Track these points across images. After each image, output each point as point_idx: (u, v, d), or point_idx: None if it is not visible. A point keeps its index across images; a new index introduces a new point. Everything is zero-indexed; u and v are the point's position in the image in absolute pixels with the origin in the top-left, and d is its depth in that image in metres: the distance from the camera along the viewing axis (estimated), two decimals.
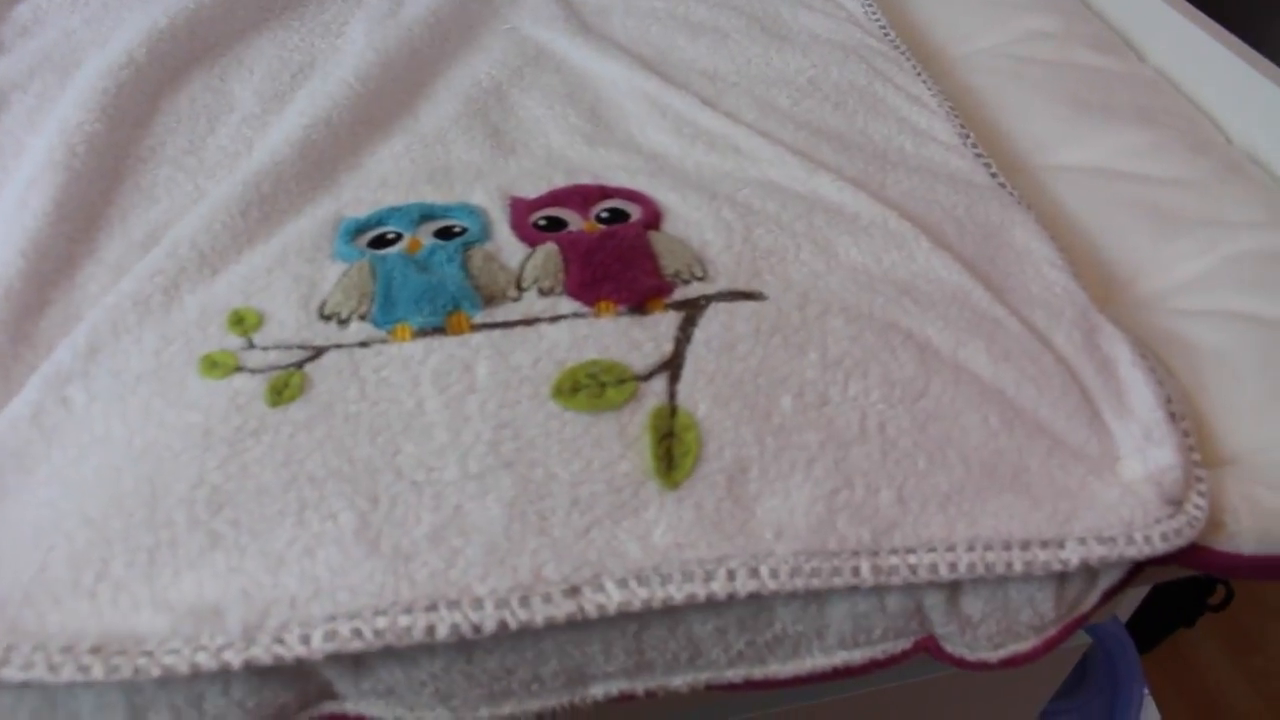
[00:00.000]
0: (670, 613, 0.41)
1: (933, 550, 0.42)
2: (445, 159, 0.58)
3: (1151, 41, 0.78)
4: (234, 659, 0.36)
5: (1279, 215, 0.59)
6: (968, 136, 0.63)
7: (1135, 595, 0.78)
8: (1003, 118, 0.70)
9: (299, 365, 0.44)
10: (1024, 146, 0.67)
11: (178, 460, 0.40)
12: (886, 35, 0.74)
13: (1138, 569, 0.44)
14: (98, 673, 0.36)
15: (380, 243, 0.50)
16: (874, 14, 0.77)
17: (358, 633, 0.37)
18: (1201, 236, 0.58)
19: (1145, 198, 0.61)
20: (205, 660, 0.36)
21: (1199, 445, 0.47)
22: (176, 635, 0.36)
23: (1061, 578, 0.44)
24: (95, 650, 0.36)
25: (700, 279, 0.48)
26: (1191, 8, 0.76)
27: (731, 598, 0.40)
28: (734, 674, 0.44)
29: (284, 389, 0.43)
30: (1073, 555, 0.42)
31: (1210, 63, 0.72)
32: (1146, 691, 0.85)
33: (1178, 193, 0.61)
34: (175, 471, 0.40)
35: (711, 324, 0.46)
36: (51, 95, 0.60)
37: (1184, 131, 0.67)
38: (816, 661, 0.44)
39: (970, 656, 0.45)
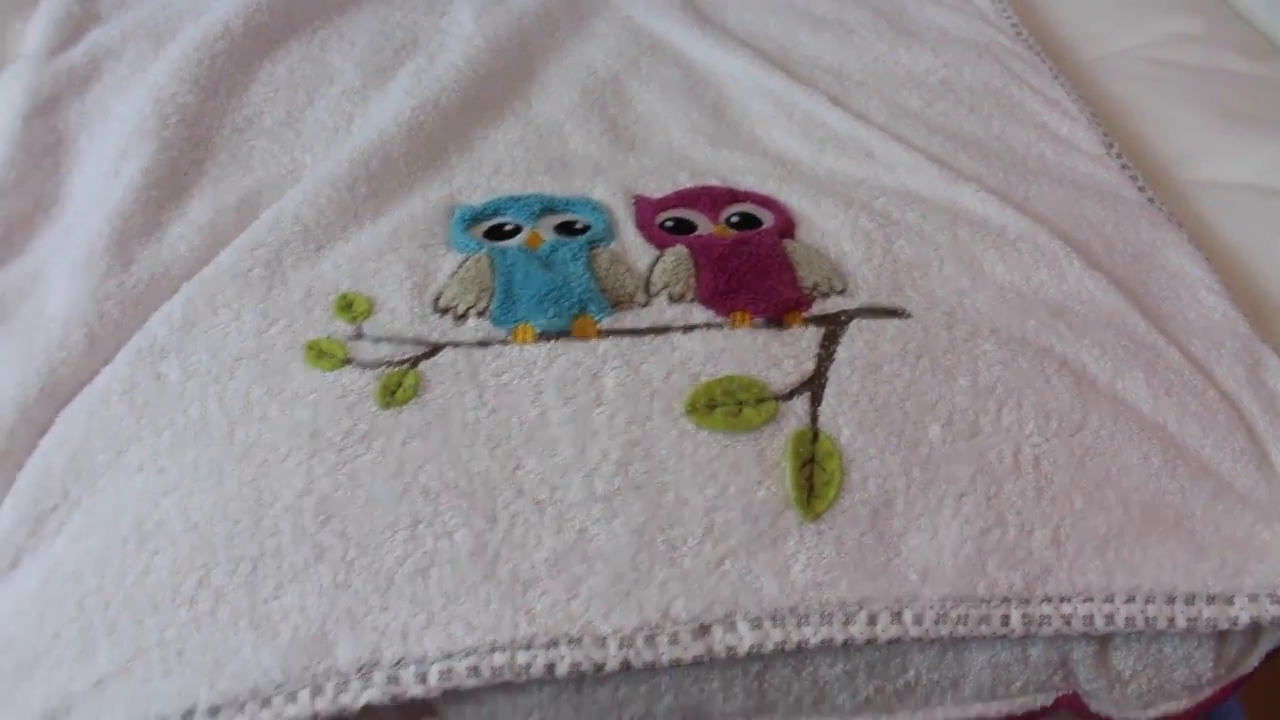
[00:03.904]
0: (798, 653, 0.38)
1: (1089, 600, 0.38)
2: (562, 150, 0.55)
3: None
4: (351, 701, 0.34)
5: None
6: (1111, 146, 0.59)
7: None
8: (1144, 126, 0.65)
9: (413, 363, 0.41)
10: (1167, 158, 0.63)
11: (284, 464, 0.38)
12: (1019, 34, 0.70)
13: None
14: None
15: (497, 234, 0.48)
16: (1004, 11, 0.72)
17: (475, 670, 0.34)
18: None
19: None
20: (323, 706, 0.34)
21: None
22: (288, 677, 0.34)
23: (1223, 635, 0.40)
24: (213, 712, 0.34)
25: (840, 292, 0.45)
26: None
27: (870, 643, 0.37)
28: None
29: (397, 389, 0.40)
30: (1243, 613, 0.39)
31: None
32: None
33: None
34: (281, 477, 0.38)
35: (855, 342, 0.42)
36: (145, 64, 0.58)
37: None
38: (949, 712, 0.41)
39: (1117, 715, 0.42)
